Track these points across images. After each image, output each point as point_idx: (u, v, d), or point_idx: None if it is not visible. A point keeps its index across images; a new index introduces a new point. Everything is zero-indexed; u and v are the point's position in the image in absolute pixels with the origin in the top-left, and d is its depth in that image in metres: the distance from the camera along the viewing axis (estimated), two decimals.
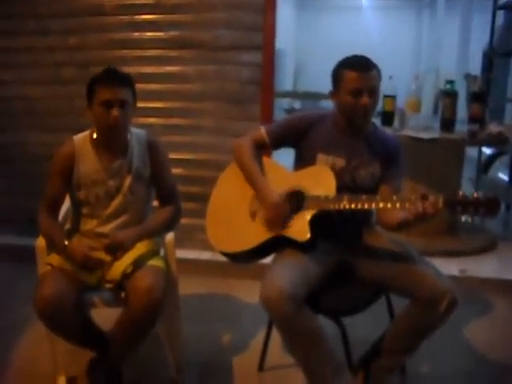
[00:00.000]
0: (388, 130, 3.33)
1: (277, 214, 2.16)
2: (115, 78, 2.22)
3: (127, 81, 2.25)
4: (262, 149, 2.36)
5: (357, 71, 2.12)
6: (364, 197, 2.04)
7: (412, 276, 2.10)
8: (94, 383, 2.24)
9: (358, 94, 2.13)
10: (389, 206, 1.99)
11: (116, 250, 2.21)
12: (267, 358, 2.54)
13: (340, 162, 2.23)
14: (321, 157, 2.24)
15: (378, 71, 2.18)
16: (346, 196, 2.06)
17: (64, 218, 2.46)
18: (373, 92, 2.14)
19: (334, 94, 2.24)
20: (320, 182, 2.16)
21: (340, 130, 2.26)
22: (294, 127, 2.32)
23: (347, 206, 2.05)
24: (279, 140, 2.33)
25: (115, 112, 2.17)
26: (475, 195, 1.86)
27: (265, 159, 2.37)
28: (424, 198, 1.93)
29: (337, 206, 2.07)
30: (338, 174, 2.18)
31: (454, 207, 1.88)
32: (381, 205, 2.00)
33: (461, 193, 1.88)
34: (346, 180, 2.21)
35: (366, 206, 2.02)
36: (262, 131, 2.33)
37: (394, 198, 1.99)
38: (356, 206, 2.03)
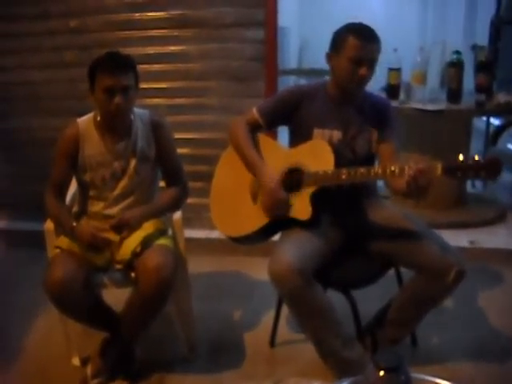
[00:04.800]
0: (394, 103, 3.30)
1: (274, 201, 2.14)
2: (117, 63, 2.19)
3: (129, 65, 2.22)
4: (257, 130, 2.32)
5: (362, 40, 2.08)
6: (362, 169, 2.02)
7: (419, 249, 2.09)
8: (107, 363, 2.27)
9: (358, 63, 2.09)
10: (387, 174, 1.97)
11: (122, 228, 2.22)
12: (278, 333, 2.56)
13: (337, 135, 2.20)
14: (317, 131, 2.21)
15: (380, 44, 2.14)
16: (345, 170, 2.04)
17: (71, 201, 2.46)
18: (372, 64, 2.11)
19: (331, 57, 2.18)
20: (318, 157, 2.14)
21: (332, 100, 2.22)
22: (286, 102, 2.27)
23: (346, 179, 2.03)
24: (272, 118, 2.29)
25: (117, 99, 2.15)
26: (475, 158, 1.80)
27: (262, 137, 2.34)
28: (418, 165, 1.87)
29: (336, 181, 2.06)
30: (337, 147, 2.16)
31: (453, 173, 1.83)
32: (379, 175, 1.99)
33: (460, 157, 1.82)
34: (345, 151, 2.19)
35: (364, 178, 2.01)
36: (254, 112, 2.28)
37: (392, 167, 1.94)
38: (355, 178, 2.02)
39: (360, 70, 2.09)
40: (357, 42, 2.09)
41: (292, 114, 2.25)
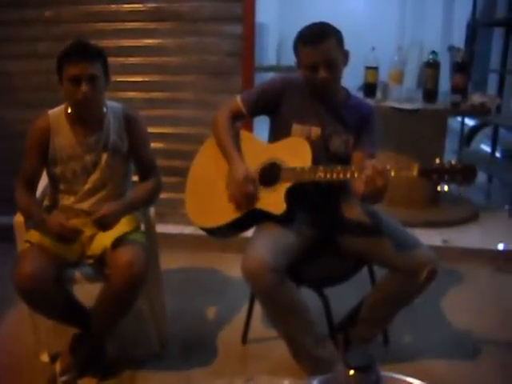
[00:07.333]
0: (371, 102, 3.31)
1: (241, 194, 2.13)
2: (82, 52, 2.15)
3: (96, 54, 2.19)
4: (240, 119, 2.33)
5: (308, 45, 2.07)
6: (339, 167, 2.01)
7: (392, 247, 2.09)
8: (77, 359, 2.24)
9: (314, 69, 2.08)
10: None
11: (105, 223, 2.17)
12: (250, 330, 2.55)
13: (315, 131, 2.19)
14: (296, 127, 2.20)
15: (336, 39, 2.10)
16: (322, 167, 2.04)
17: (42, 195, 2.42)
18: (330, 64, 2.07)
19: (298, 67, 2.19)
20: (296, 153, 2.14)
21: (311, 97, 2.21)
22: (269, 90, 2.27)
23: (322, 177, 2.03)
24: (255, 106, 2.28)
25: (83, 88, 2.12)
26: (452, 162, 1.83)
27: (242, 132, 2.34)
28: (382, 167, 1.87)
29: (312, 177, 2.05)
30: (315, 144, 2.15)
31: (429, 175, 1.84)
32: (356, 174, 1.98)
33: (437, 160, 1.84)
34: (322, 149, 2.18)
35: (341, 176, 2.00)
36: (238, 101, 2.28)
37: (386, 165, 1.92)
38: (331, 176, 2.02)
39: (319, 74, 2.08)
40: (305, 50, 2.09)
41: (274, 104, 2.25)
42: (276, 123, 2.29)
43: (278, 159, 2.16)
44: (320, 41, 2.06)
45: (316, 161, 2.09)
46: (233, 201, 2.18)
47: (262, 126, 2.48)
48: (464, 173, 1.82)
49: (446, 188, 1.85)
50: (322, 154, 2.17)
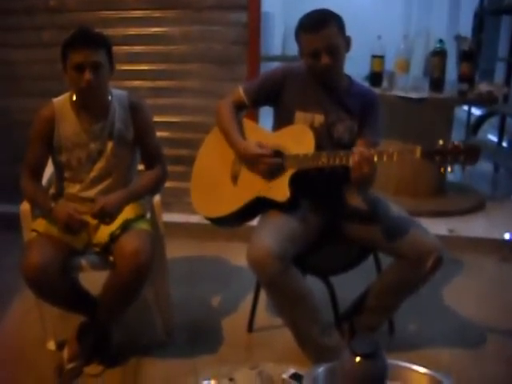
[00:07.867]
0: (377, 90, 3.29)
1: (263, 161, 2.13)
2: (86, 39, 2.15)
3: (100, 42, 2.18)
4: (243, 109, 2.32)
5: (310, 32, 2.06)
6: (342, 152, 2.01)
7: (398, 235, 2.09)
8: (84, 347, 2.25)
9: (316, 55, 2.07)
10: None
11: (104, 215, 2.17)
12: (256, 319, 2.55)
13: (319, 118, 2.18)
14: (299, 114, 2.20)
15: (337, 25, 2.08)
16: (325, 153, 2.04)
17: (48, 183, 2.42)
18: (332, 49, 2.06)
19: (301, 56, 2.18)
20: (299, 140, 2.13)
21: (313, 85, 2.20)
22: (270, 80, 2.26)
23: (325, 163, 2.03)
24: (257, 97, 2.27)
25: (87, 75, 2.11)
26: (455, 143, 1.82)
27: (245, 121, 2.34)
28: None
29: (315, 163, 2.05)
30: (319, 131, 2.15)
31: (432, 157, 1.84)
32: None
33: (440, 142, 1.84)
34: (325, 136, 2.17)
35: (344, 161, 2.00)
36: (240, 91, 2.28)
37: (372, 151, 1.94)
38: (334, 161, 2.01)
39: (321, 61, 2.07)
40: (306, 37, 2.08)
41: (276, 93, 2.24)
42: (279, 112, 2.29)
43: (282, 147, 2.16)
44: (321, 27, 2.05)
45: (320, 148, 2.09)
46: (262, 175, 2.15)
47: (266, 115, 2.47)
48: (467, 153, 1.81)
49: (449, 169, 1.85)
50: (326, 141, 2.17)
